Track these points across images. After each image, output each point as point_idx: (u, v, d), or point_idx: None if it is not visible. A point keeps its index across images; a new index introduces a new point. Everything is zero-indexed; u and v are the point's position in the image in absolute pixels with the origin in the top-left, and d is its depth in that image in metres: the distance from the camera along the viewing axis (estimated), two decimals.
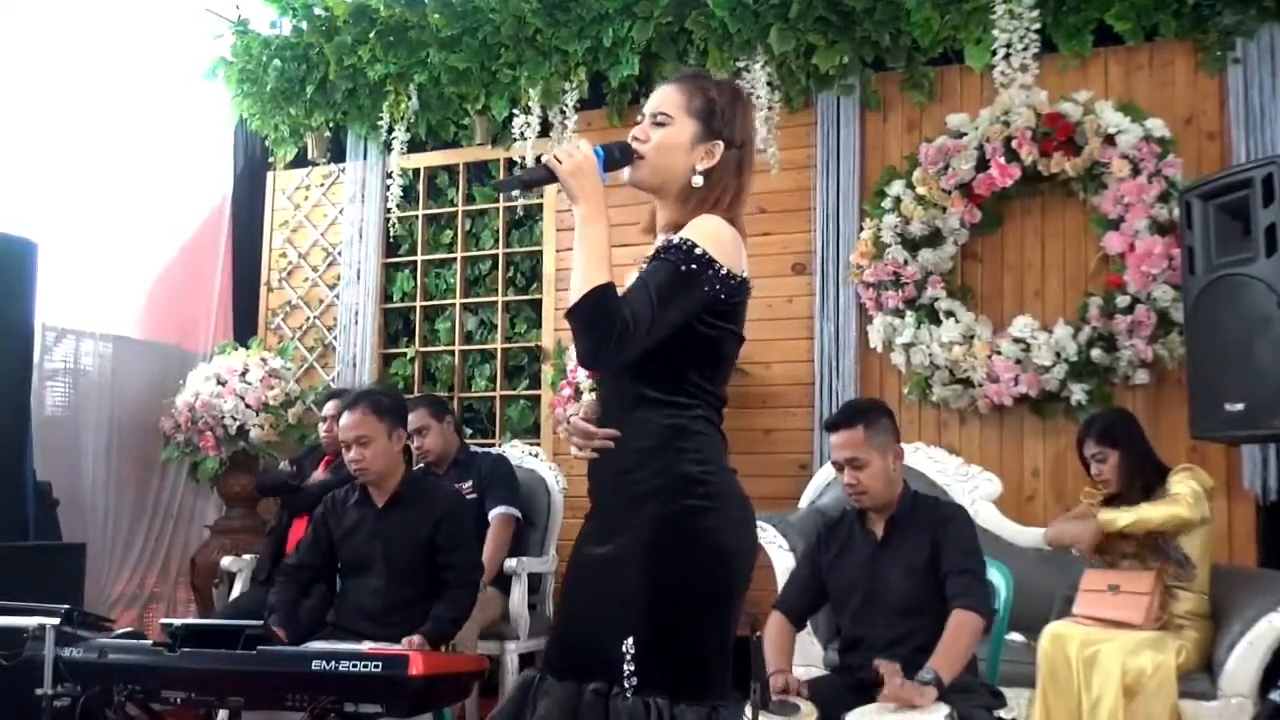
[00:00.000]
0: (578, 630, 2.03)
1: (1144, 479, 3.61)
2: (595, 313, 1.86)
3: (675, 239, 1.97)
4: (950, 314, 4.60)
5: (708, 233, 1.97)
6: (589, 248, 1.92)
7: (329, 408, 4.53)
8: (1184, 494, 3.43)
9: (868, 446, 2.92)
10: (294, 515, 4.35)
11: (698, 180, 2.03)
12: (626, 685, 1.91)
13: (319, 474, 4.45)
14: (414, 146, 5.77)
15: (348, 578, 3.51)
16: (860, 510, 3.03)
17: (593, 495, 2.09)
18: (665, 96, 2.08)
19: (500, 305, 5.70)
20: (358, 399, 3.56)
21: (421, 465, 4.38)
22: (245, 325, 6.09)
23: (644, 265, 1.99)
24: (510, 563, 4.23)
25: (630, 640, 1.91)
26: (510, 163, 5.56)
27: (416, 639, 3.07)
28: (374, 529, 3.45)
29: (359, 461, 3.42)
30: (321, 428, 4.59)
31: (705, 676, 1.95)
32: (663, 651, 1.93)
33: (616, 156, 2.01)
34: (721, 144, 2.05)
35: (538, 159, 2.01)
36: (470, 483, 4.36)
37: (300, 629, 3.37)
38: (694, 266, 1.93)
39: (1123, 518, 3.45)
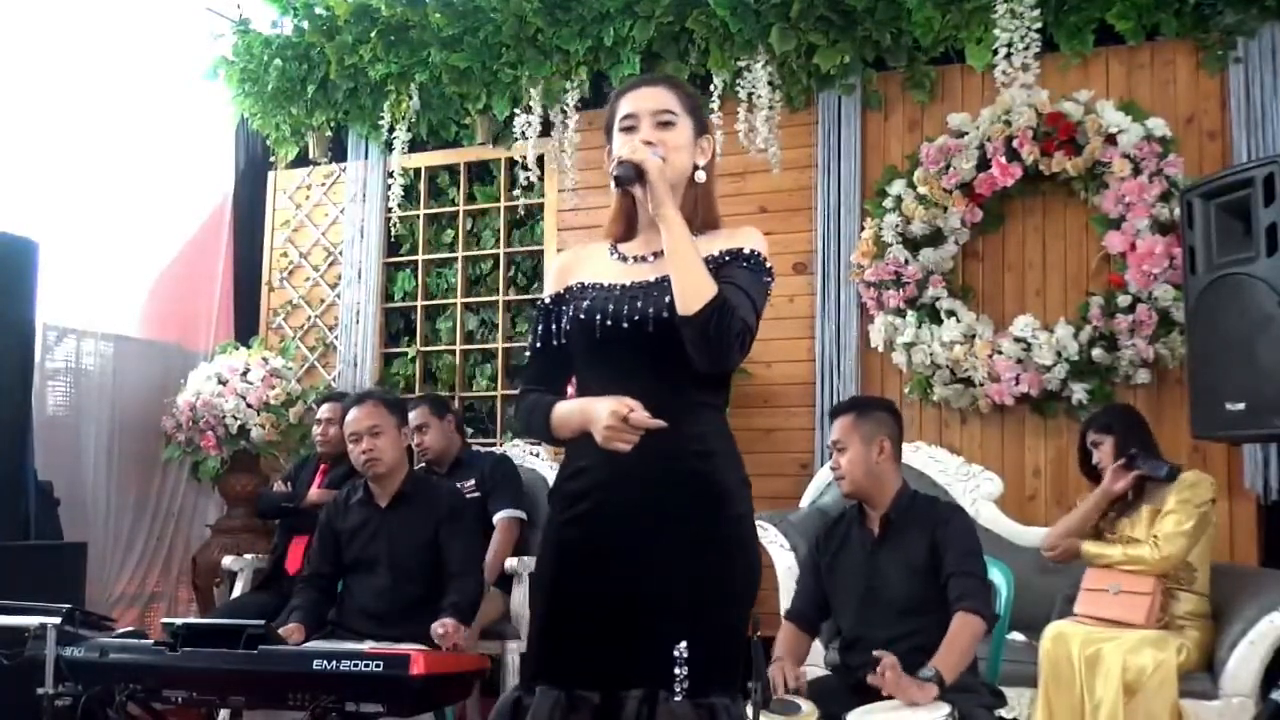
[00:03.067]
0: (615, 636, 1.96)
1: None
2: (724, 321, 1.91)
3: (747, 249, 2.05)
4: (951, 313, 4.60)
5: (764, 245, 2.07)
6: (692, 253, 1.95)
7: (325, 410, 4.53)
8: (1171, 546, 3.38)
9: (852, 433, 2.98)
10: (292, 535, 4.35)
11: (701, 176, 2.09)
12: (679, 689, 1.90)
13: (315, 488, 4.45)
14: (415, 146, 5.77)
15: (351, 577, 3.51)
16: (860, 509, 3.04)
17: (611, 494, 1.99)
18: (662, 97, 2.09)
19: (501, 305, 5.71)
20: (365, 395, 3.60)
21: (423, 465, 4.38)
22: (246, 325, 6.09)
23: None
24: (511, 562, 4.22)
25: (684, 644, 1.91)
26: (511, 162, 5.57)
27: (450, 622, 3.07)
28: (378, 529, 3.45)
29: (371, 452, 3.42)
30: (316, 430, 4.58)
31: (740, 673, 2.01)
32: (718, 652, 1.96)
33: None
34: (709, 139, 2.13)
35: (624, 161, 2.01)
36: (472, 481, 4.36)
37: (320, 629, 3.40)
38: (768, 279, 2.06)
39: (1105, 556, 3.48)
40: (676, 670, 1.90)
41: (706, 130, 2.13)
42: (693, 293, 1.91)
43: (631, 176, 1.96)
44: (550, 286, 2.17)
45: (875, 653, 2.62)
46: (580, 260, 2.18)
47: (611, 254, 2.14)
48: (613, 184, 2.00)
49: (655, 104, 2.08)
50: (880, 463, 2.95)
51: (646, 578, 1.96)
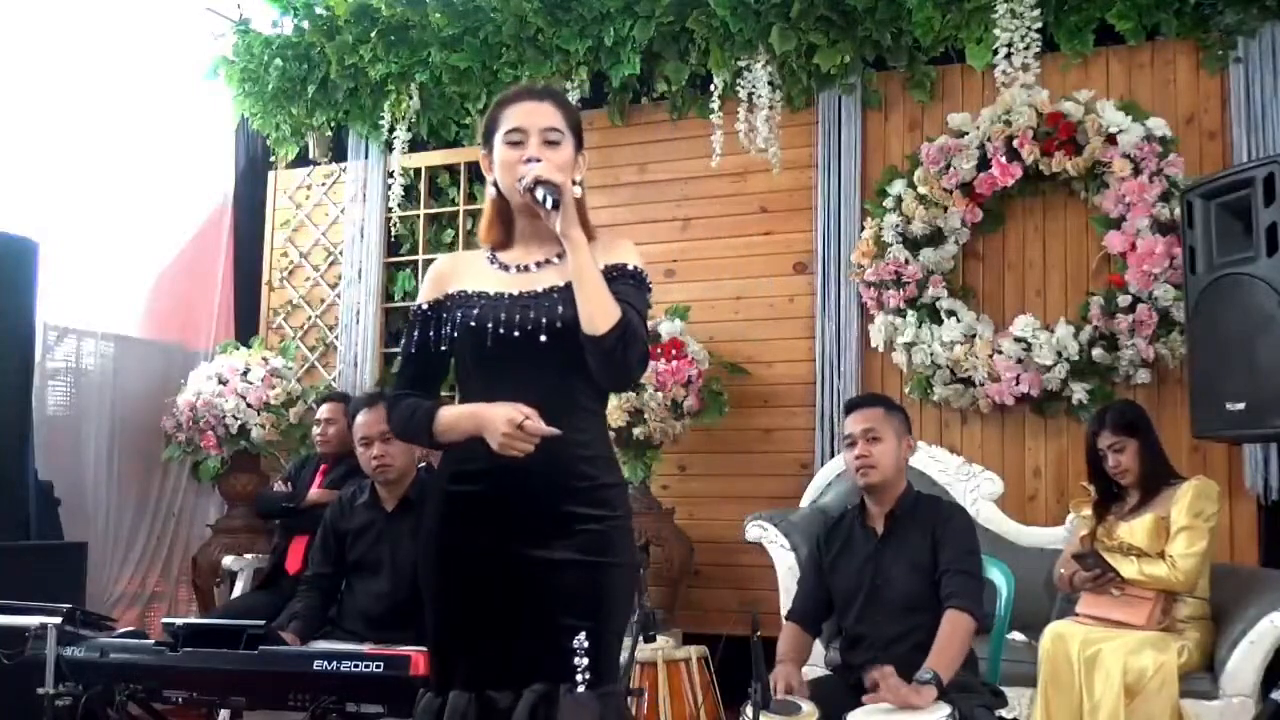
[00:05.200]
0: (511, 634, 2.01)
1: (1156, 473, 3.56)
2: (629, 341, 1.97)
3: (630, 265, 2.11)
4: (952, 313, 4.60)
5: (641, 259, 2.14)
6: (597, 276, 2.00)
7: (324, 410, 4.52)
8: (1188, 566, 3.33)
9: (886, 425, 2.98)
10: (292, 535, 4.34)
11: (579, 191, 2.11)
12: (580, 680, 1.97)
13: (315, 488, 4.43)
14: (415, 146, 5.77)
15: (354, 578, 3.51)
16: (862, 507, 3.04)
17: (505, 498, 2.03)
18: (550, 114, 2.13)
19: None
20: (375, 398, 3.55)
21: (423, 465, 4.37)
22: (247, 324, 6.09)
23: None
24: None
25: (582, 635, 1.98)
26: None
27: None
28: (382, 532, 3.44)
29: (382, 458, 3.40)
30: (315, 430, 4.57)
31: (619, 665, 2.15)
32: (610, 644, 2.05)
33: None
34: (584, 155, 2.18)
35: (544, 181, 2.03)
36: None
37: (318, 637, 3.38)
38: (649, 293, 2.15)
39: (1125, 569, 3.40)
40: (576, 661, 1.97)
41: (582, 146, 2.18)
42: (600, 315, 1.97)
43: (558, 199, 2.00)
44: (426, 293, 2.20)
45: (868, 674, 2.62)
46: (458, 269, 2.21)
47: (491, 263, 2.18)
48: (547, 203, 2.00)
49: (544, 121, 2.11)
50: (904, 459, 2.98)
51: (543, 577, 2.02)
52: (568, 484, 2.03)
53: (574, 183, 2.10)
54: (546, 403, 1.99)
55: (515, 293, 2.09)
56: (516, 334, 2.03)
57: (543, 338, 2.02)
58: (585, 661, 1.97)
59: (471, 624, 2.05)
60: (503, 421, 1.95)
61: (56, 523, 4.67)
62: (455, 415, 2.06)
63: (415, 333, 2.17)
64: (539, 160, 2.05)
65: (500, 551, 2.03)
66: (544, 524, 2.02)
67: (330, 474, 4.43)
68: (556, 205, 1.99)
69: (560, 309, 2.03)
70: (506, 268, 2.15)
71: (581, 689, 1.96)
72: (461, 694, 2.01)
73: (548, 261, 2.12)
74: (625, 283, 2.08)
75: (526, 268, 2.13)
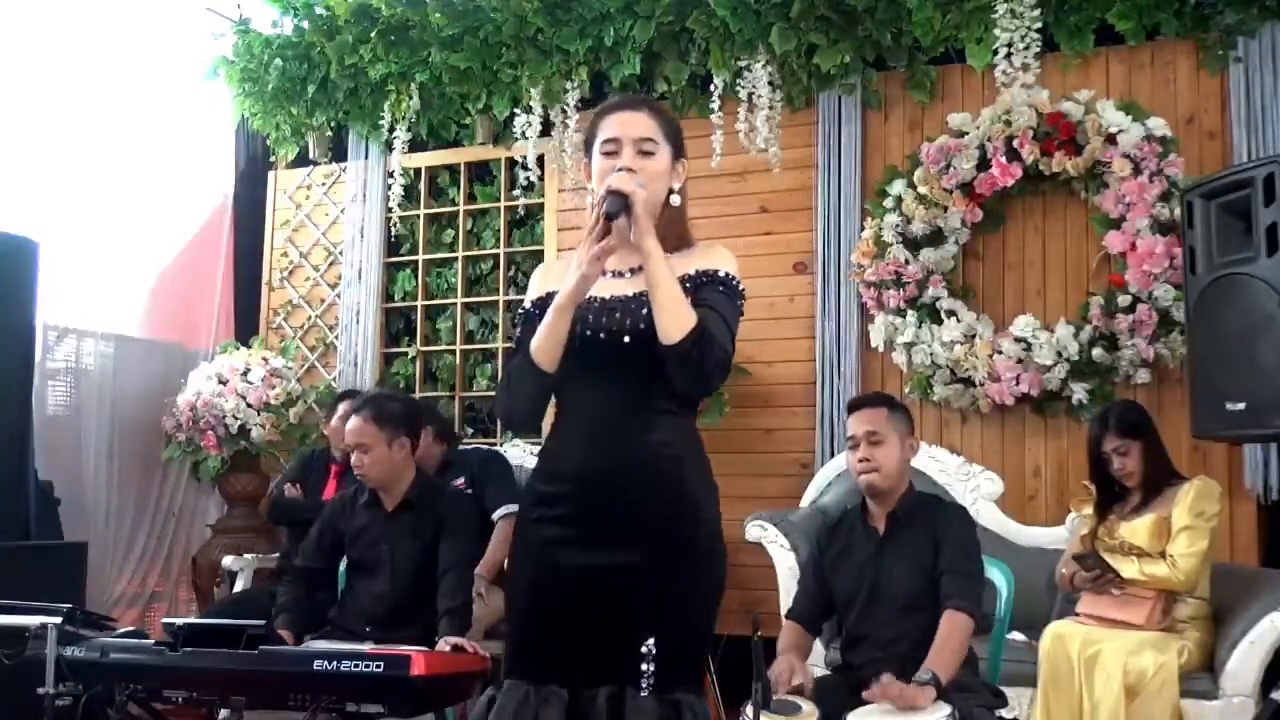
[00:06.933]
0: (587, 634, 2.02)
1: (1159, 473, 3.55)
2: (706, 348, 1.98)
3: (722, 271, 2.12)
4: (952, 313, 4.60)
5: (735, 266, 2.15)
6: (673, 285, 2.01)
7: (343, 409, 4.47)
8: (1188, 565, 3.33)
9: (889, 426, 2.97)
10: None
11: (676, 200, 2.16)
12: (645, 685, 1.97)
13: (332, 491, 4.38)
14: (415, 146, 5.77)
15: (354, 577, 3.51)
16: (863, 507, 3.04)
17: (588, 497, 2.06)
18: (644, 124, 2.14)
19: (501, 304, 5.70)
20: (363, 404, 3.57)
21: None
22: (247, 324, 6.09)
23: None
24: None
25: (651, 641, 1.98)
26: (511, 162, 5.57)
27: (456, 642, 3.04)
28: (382, 533, 3.46)
29: (359, 467, 3.45)
30: (332, 423, 4.51)
31: (703, 671, 2.11)
32: (686, 651, 2.04)
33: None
34: (684, 162, 2.20)
35: (613, 191, 2.06)
36: (462, 480, 4.32)
37: (307, 629, 3.38)
38: (741, 301, 2.15)
39: (1125, 570, 3.40)
40: (644, 667, 1.98)
41: (682, 154, 2.20)
42: (674, 323, 1.98)
43: (621, 209, 2.02)
44: (533, 292, 2.24)
45: (868, 690, 2.62)
46: (559, 272, 2.23)
47: None
48: (603, 217, 2.03)
49: (638, 131, 2.13)
50: (907, 460, 2.98)
51: (619, 578, 2.03)
52: (649, 486, 2.04)
53: (672, 191, 2.14)
54: (628, 404, 2.05)
55: (606, 296, 2.12)
56: (602, 335, 2.07)
57: (626, 339, 2.06)
58: (651, 667, 1.97)
59: (549, 621, 2.07)
60: (573, 257, 2.02)
61: (56, 523, 4.67)
62: (545, 319, 2.07)
63: (519, 330, 2.22)
64: (625, 170, 2.07)
65: (585, 552, 2.05)
66: (629, 526, 2.03)
67: (344, 475, 4.39)
68: (611, 217, 2.01)
69: (646, 312, 2.05)
70: (603, 273, 2.15)
71: (646, 694, 1.97)
72: (519, 684, 2.03)
73: (641, 269, 2.10)
74: (715, 289, 2.10)
75: (620, 274, 2.15)
